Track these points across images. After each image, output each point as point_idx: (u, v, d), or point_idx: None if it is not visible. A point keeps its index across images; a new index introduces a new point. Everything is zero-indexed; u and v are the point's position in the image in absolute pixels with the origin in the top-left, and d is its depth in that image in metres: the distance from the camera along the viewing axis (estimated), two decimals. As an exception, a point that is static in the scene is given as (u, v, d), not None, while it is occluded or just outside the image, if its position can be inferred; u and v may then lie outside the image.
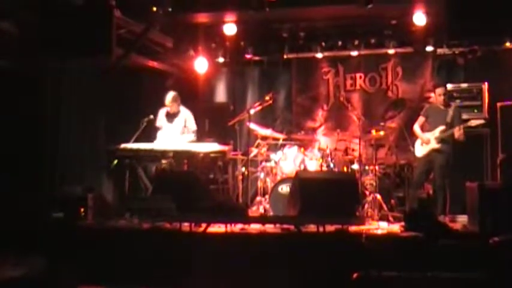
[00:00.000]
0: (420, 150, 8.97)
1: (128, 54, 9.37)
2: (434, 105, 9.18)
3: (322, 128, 11.47)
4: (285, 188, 9.07)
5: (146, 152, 8.98)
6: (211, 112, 11.41)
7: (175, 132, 9.52)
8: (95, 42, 8.26)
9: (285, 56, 11.35)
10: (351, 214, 8.13)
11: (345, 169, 9.82)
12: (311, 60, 11.48)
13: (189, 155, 9.09)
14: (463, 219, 8.41)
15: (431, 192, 9.10)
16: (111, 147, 9.03)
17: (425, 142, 8.85)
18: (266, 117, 10.99)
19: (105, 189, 9.74)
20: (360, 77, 11.45)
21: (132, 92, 10.54)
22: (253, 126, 9.80)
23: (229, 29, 10.25)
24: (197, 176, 9.03)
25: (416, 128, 9.09)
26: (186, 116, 9.63)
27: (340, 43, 10.91)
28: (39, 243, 7.03)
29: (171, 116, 9.61)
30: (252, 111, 9.66)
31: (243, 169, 9.92)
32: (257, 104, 10.01)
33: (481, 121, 8.83)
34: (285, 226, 7.67)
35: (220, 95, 12.16)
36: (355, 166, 9.61)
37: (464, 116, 9.12)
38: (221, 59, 11.45)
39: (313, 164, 9.49)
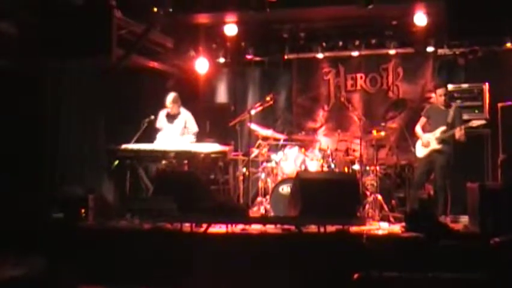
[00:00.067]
0: (421, 150, 8.96)
1: (129, 54, 9.36)
2: (435, 106, 9.18)
3: (323, 128, 11.48)
4: (285, 189, 9.07)
5: (147, 153, 8.98)
6: (212, 112, 11.40)
7: (175, 134, 9.52)
8: (95, 43, 8.26)
9: (285, 57, 11.35)
10: (351, 214, 8.12)
11: (346, 169, 9.81)
12: (312, 60, 11.47)
13: (190, 156, 9.09)
14: (464, 219, 8.41)
15: (432, 192, 9.10)
16: (112, 148, 9.03)
17: (426, 145, 8.84)
18: (267, 118, 11.01)
19: (106, 190, 9.72)
20: (361, 78, 11.45)
21: (133, 93, 10.52)
22: (254, 126, 9.81)
23: (230, 29, 10.26)
24: (198, 177, 9.03)
25: (418, 128, 9.09)
26: (186, 117, 9.63)
27: (340, 43, 10.91)
28: (39, 244, 7.03)
29: (171, 117, 9.61)
30: (252, 112, 9.67)
31: (244, 169, 9.92)
32: (258, 104, 10.01)
33: (482, 121, 8.83)
34: (286, 226, 7.66)
35: (221, 95, 12.15)
36: (356, 166, 9.61)
37: (465, 117, 9.12)
38: (222, 60, 11.46)
39: (314, 164, 9.49)
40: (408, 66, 11.18)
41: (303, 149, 9.70)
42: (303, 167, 9.40)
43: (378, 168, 9.35)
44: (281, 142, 10.07)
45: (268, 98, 9.90)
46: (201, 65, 11.04)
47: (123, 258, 6.99)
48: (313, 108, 11.66)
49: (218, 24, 10.38)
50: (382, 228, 8.02)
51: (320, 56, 11.17)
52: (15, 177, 8.23)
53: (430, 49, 10.61)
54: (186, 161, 9.30)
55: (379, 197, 8.99)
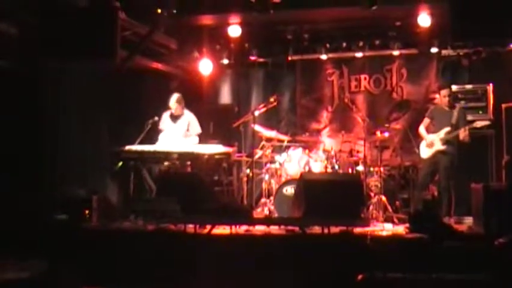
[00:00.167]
0: (425, 151, 8.96)
1: (132, 56, 9.38)
2: (439, 107, 9.18)
3: (327, 129, 11.48)
4: (289, 190, 9.06)
5: (151, 154, 8.98)
6: (216, 114, 11.41)
7: (177, 135, 9.51)
8: (99, 44, 8.27)
9: (289, 58, 11.34)
10: (355, 216, 8.12)
11: (350, 171, 9.80)
12: (315, 61, 11.48)
13: (193, 157, 9.08)
14: (468, 220, 8.41)
15: (436, 193, 9.09)
16: (115, 149, 9.03)
17: (430, 144, 8.84)
18: (271, 119, 11.01)
19: (109, 191, 9.75)
20: (365, 79, 11.44)
21: (136, 94, 10.54)
22: (257, 127, 9.80)
23: (234, 30, 10.26)
24: (202, 178, 9.02)
25: (422, 129, 9.09)
26: (189, 119, 9.63)
27: (344, 44, 10.90)
28: (42, 245, 7.04)
29: (174, 118, 9.61)
30: (256, 113, 9.66)
31: (248, 171, 9.90)
32: (262, 105, 9.99)
33: (486, 122, 8.82)
34: (290, 228, 7.65)
35: (225, 96, 12.16)
36: (360, 168, 9.61)
37: (469, 117, 9.12)
38: (225, 61, 11.48)
39: (317, 165, 9.49)
40: (412, 67, 11.17)
41: (306, 150, 9.70)
42: (306, 168, 9.39)
43: (381, 169, 9.35)
44: (285, 143, 10.07)
45: (272, 99, 9.88)
46: (205, 66, 11.04)
47: (127, 259, 6.98)
48: (317, 110, 11.66)
49: (222, 25, 10.39)
50: (386, 229, 8.01)
51: (324, 57, 11.17)
52: (15, 177, 8.24)
53: (434, 50, 10.61)
54: (189, 162, 9.30)
55: (383, 198, 8.99)
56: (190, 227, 7.54)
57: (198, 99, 11.18)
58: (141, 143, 8.98)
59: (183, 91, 9.95)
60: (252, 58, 11.43)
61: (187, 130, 9.57)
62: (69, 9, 8.48)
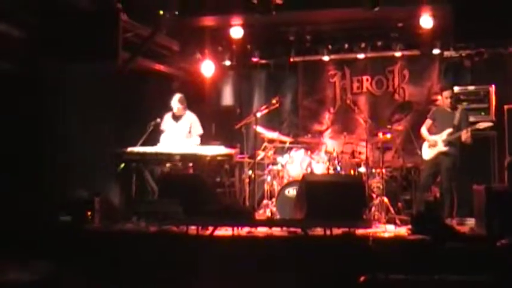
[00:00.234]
0: (427, 153, 8.95)
1: (135, 57, 9.38)
2: (441, 108, 9.16)
3: (329, 131, 11.48)
4: (291, 191, 9.06)
5: (153, 156, 8.97)
6: (218, 115, 11.43)
7: (179, 136, 9.50)
8: (101, 46, 8.29)
9: (291, 59, 11.37)
10: (357, 217, 8.13)
11: (352, 172, 9.79)
12: (317, 63, 11.47)
13: (195, 158, 9.07)
14: (470, 222, 8.41)
15: (438, 195, 9.08)
16: (117, 151, 9.02)
17: (433, 145, 8.84)
18: (273, 120, 10.99)
19: (111, 193, 9.72)
20: (367, 80, 11.44)
21: (138, 95, 10.52)
22: (260, 129, 9.79)
23: (236, 32, 10.28)
24: (204, 179, 9.02)
25: (424, 130, 9.08)
26: (191, 120, 9.62)
27: (346, 46, 10.93)
28: (44, 246, 7.04)
29: (176, 119, 9.61)
30: (258, 115, 9.63)
31: (250, 172, 9.90)
32: (264, 107, 9.96)
33: (488, 124, 8.82)
34: (292, 229, 7.66)
35: (227, 98, 12.16)
36: (362, 169, 9.58)
37: (472, 119, 9.11)
38: (228, 62, 11.49)
39: (319, 167, 9.48)
40: (414, 69, 11.17)
41: (309, 152, 9.69)
42: (308, 170, 9.39)
43: (384, 170, 9.32)
44: (287, 145, 10.07)
45: (274, 101, 9.87)
46: (207, 68, 11.04)
47: (129, 261, 6.99)
48: (319, 111, 11.66)
49: (224, 27, 10.41)
50: (388, 230, 8.00)
51: (326, 58, 11.17)
52: (15, 177, 8.25)
53: (436, 51, 10.61)
54: (191, 164, 9.30)
55: (385, 199, 8.96)
56: (192, 229, 7.55)
57: (200, 100, 11.17)
58: (143, 144, 8.98)
59: (185, 92, 9.94)
60: (254, 59, 11.44)
61: (189, 132, 9.57)
62: (70, 10, 8.49)
